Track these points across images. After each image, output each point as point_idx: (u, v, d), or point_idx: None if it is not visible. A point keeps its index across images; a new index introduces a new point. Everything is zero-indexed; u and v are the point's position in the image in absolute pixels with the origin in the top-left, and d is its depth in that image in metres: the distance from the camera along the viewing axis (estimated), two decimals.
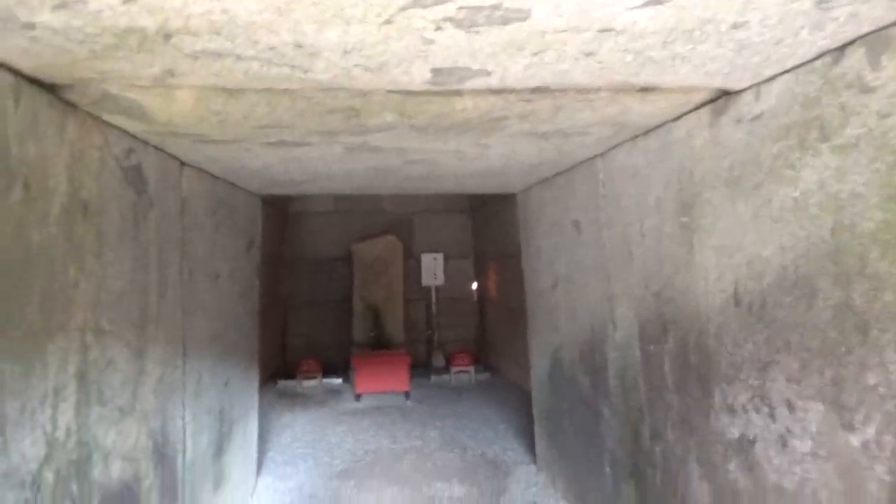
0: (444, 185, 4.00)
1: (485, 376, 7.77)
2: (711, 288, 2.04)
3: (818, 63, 1.56)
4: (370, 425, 5.71)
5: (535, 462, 4.54)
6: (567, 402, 3.64)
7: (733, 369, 1.95)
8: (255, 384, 4.15)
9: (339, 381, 7.51)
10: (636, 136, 2.50)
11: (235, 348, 3.58)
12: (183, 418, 2.74)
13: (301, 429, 5.62)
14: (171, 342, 2.60)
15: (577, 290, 3.35)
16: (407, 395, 6.63)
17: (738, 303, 1.90)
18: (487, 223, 8.34)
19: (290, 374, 7.52)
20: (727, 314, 1.96)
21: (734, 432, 1.96)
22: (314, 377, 7.34)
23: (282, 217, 8.74)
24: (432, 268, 8.66)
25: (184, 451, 2.75)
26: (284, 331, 7.91)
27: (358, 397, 6.60)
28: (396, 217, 9.19)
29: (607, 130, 2.36)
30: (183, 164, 2.82)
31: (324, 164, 3.00)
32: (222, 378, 3.32)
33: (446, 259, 8.91)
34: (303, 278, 8.93)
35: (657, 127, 2.33)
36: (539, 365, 4.22)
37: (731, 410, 1.97)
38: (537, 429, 4.34)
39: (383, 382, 6.57)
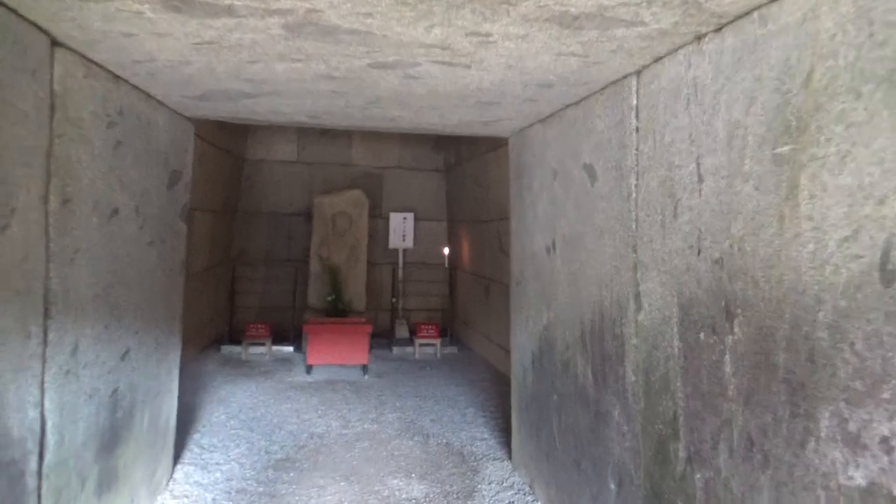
0: (421, 120, 3.21)
1: (452, 350, 7.08)
2: (831, 254, 1.32)
3: None
4: (320, 403, 4.97)
5: (509, 458, 3.87)
6: (557, 393, 2.94)
7: (865, 382, 1.24)
8: (175, 355, 3.36)
9: (290, 349, 6.75)
10: (703, 35, 1.75)
11: (141, 310, 2.78)
12: (40, 406, 1.96)
13: (239, 405, 4.85)
14: (16, 298, 1.80)
15: (584, 256, 2.63)
16: (365, 368, 5.90)
17: (888, 279, 1.18)
18: (462, 184, 7.58)
19: (236, 340, 6.73)
20: (862, 295, 1.24)
21: (856, 478, 1.26)
22: (262, 343, 6.57)
23: (238, 165, 7.84)
24: (401, 228, 7.88)
25: (41, 452, 1.97)
26: (233, 291, 7.09)
27: (309, 369, 5.85)
28: (365, 172, 8.36)
29: (669, 17, 1.60)
30: (55, 42, 1.98)
31: (262, 65, 2.19)
32: (117, 349, 2.53)
33: (417, 220, 8.14)
34: (259, 234, 8.09)
35: (745, 14, 1.58)
36: (522, 345, 3.52)
37: (854, 444, 1.27)
38: (515, 420, 3.66)
39: (339, 354, 5.83)
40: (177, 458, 3.71)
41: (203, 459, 3.77)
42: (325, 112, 3.09)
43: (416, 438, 4.25)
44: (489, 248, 6.43)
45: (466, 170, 7.38)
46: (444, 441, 4.22)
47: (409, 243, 7.92)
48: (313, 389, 5.37)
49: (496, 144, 6.14)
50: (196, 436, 4.16)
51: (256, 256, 8.03)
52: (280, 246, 8.12)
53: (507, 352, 5.80)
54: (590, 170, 2.57)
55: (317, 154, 8.26)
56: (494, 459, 3.90)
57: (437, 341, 6.88)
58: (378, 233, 8.25)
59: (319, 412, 4.73)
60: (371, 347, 6.82)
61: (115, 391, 2.53)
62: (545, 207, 3.10)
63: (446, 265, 7.57)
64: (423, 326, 6.90)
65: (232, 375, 5.73)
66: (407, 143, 8.48)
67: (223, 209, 7.25)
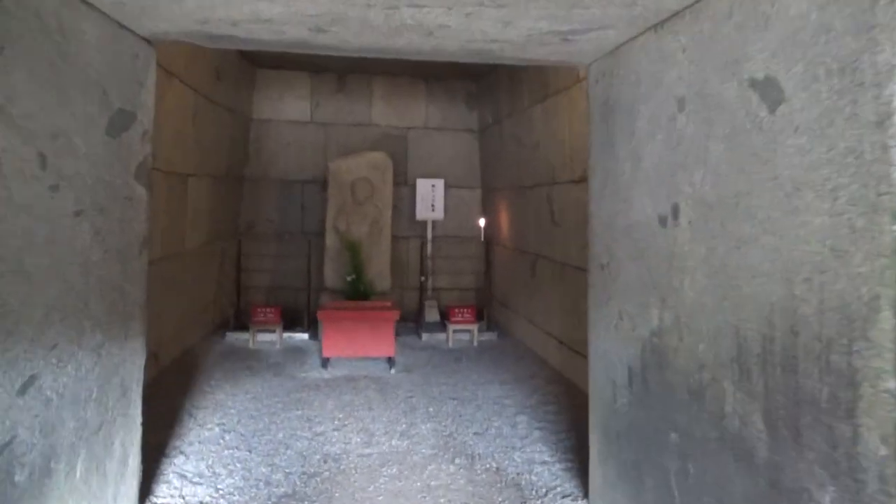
0: (474, 32, 2.21)
1: (490, 337, 6.14)
2: None
3: None
4: (336, 409, 4.07)
5: (585, 495, 2.93)
6: (679, 432, 1.98)
7: None
8: (135, 367, 2.46)
9: (304, 336, 5.86)
10: None
11: (61, 312, 1.86)
12: None
13: (238, 412, 3.97)
14: None
15: (747, 229, 1.64)
16: (391, 361, 4.99)
17: None
18: (501, 146, 6.55)
19: (243, 325, 5.85)
20: None
21: None
22: (272, 330, 5.68)
23: (243, 126, 6.89)
24: (430, 197, 6.90)
25: None
26: (239, 269, 6.19)
27: (325, 363, 4.95)
28: (387, 133, 7.36)
29: None
30: None
31: None
32: (9, 379, 1.61)
33: (447, 187, 7.15)
34: (268, 204, 7.18)
35: None
36: (608, 352, 2.55)
37: None
38: (597, 449, 2.71)
39: (360, 345, 4.91)
40: (146, 496, 2.83)
41: (183, 497, 2.88)
42: (334, 19, 2.09)
43: (457, 461, 3.33)
44: (537, 218, 5.44)
45: (506, 128, 6.35)
46: (494, 466, 3.29)
47: (439, 214, 6.94)
48: (329, 389, 4.47)
49: (545, 94, 5.10)
50: (179, 459, 3.28)
51: (266, 229, 7.12)
52: (292, 217, 7.20)
53: (560, 342, 4.84)
54: (766, 86, 1.56)
55: (332, 113, 7.27)
56: (565, 497, 2.96)
57: (474, 327, 5.94)
58: (403, 202, 7.29)
59: (336, 422, 3.83)
60: (397, 334, 5.91)
61: (7, 445, 1.61)
62: (659, 157, 2.10)
63: (482, 239, 6.60)
64: (456, 310, 5.96)
65: (234, 370, 4.86)
66: (435, 100, 7.45)
67: (226, 175, 6.33)
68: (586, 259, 4.09)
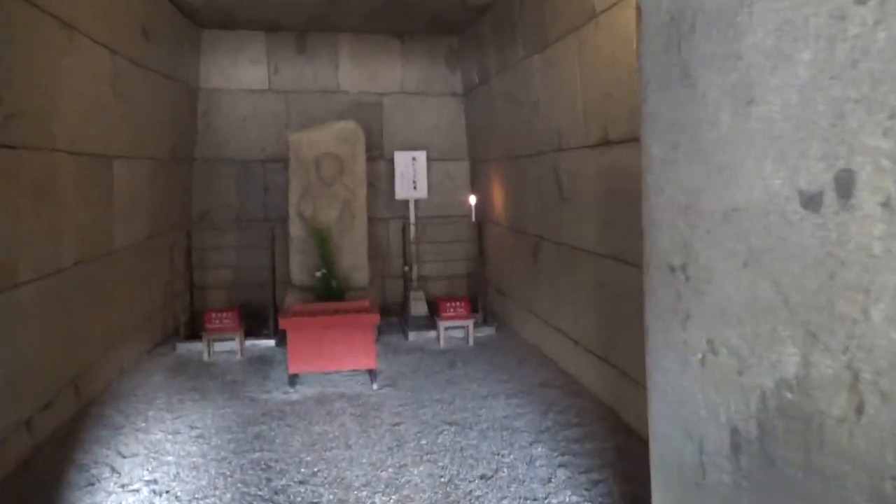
0: None
1: (487, 332, 5.30)
2: None
3: None
4: (304, 448, 3.21)
5: None
6: None
7: None
8: None
9: (269, 342, 4.98)
10: None
11: None
12: None
13: (178, 461, 3.09)
14: None
15: None
16: (372, 375, 4.12)
17: None
18: (491, 108, 5.64)
19: (197, 333, 4.94)
20: None
21: None
22: (231, 337, 4.79)
23: (188, 96, 5.90)
24: (410, 172, 5.99)
25: None
26: (191, 266, 5.26)
27: (293, 380, 4.08)
28: (358, 101, 6.41)
29: None
30: None
31: None
32: None
33: (430, 161, 6.24)
34: (224, 188, 6.23)
35: None
36: (693, 401, 1.69)
37: None
38: None
39: (333, 358, 4.04)
40: None
41: None
42: None
43: None
44: (539, 193, 4.55)
45: (497, 87, 5.43)
46: None
47: (422, 192, 6.04)
48: (296, 418, 3.60)
49: (544, 41, 4.18)
50: None
51: (224, 217, 6.18)
52: (253, 202, 6.27)
53: (574, 342, 3.97)
54: None
55: (293, 79, 6.30)
56: None
57: (469, 322, 5.09)
58: (380, 180, 6.38)
59: (303, 470, 2.97)
60: (380, 332, 5.06)
61: None
62: (804, 92, 1.22)
63: (472, 218, 5.72)
64: (447, 304, 5.09)
65: (181, 394, 3.97)
66: (412, 60, 6.49)
67: (170, 156, 5.37)
68: (611, 244, 3.18)
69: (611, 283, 3.42)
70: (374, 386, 4.07)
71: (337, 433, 3.39)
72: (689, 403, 1.70)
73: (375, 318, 4.09)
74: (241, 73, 6.21)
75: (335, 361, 4.06)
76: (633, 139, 3.03)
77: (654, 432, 1.90)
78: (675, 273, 1.75)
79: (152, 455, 3.15)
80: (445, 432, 3.37)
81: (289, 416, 3.63)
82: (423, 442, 3.26)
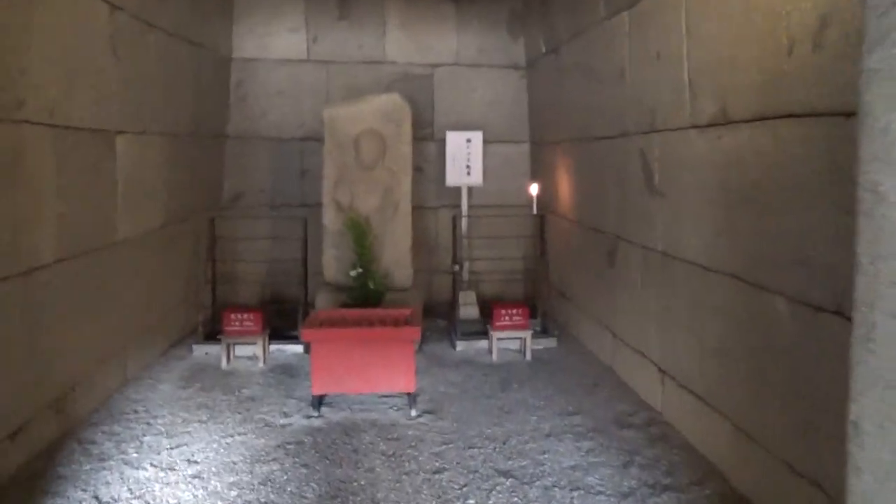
0: None
1: (548, 345, 4.54)
2: None
3: None
4: (322, 499, 2.54)
5: None
6: None
7: None
8: None
9: (297, 348, 4.35)
10: None
11: None
12: None
13: None
14: None
15: None
16: (411, 399, 3.42)
17: None
18: (560, 82, 4.82)
19: (217, 333, 4.34)
20: None
21: None
22: (253, 341, 4.17)
23: (220, 67, 5.29)
24: (463, 156, 5.25)
25: None
26: (213, 257, 4.64)
27: (317, 403, 3.41)
28: (406, 73, 5.68)
29: None
30: None
31: None
32: None
33: (486, 143, 5.46)
34: (258, 169, 5.62)
35: None
36: None
37: None
38: None
39: (365, 378, 3.36)
40: None
41: None
42: None
43: None
44: (621, 183, 3.74)
45: (567, 57, 4.61)
46: None
47: (477, 178, 5.29)
48: (318, 453, 2.94)
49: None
50: None
51: (256, 202, 5.58)
52: (290, 186, 5.63)
53: (662, 373, 3.03)
54: None
55: (335, 48, 5.61)
56: None
57: (526, 334, 4.34)
58: (429, 163, 5.65)
59: None
60: (423, 337, 4.35)
61: None
62: None
63: (534, 210, 4.93)
64: (503, 310, 4.35)
65: (188, 412, 3.38)
66: (468, 27, 5.71)
67: (194, 132, 4.76)
68: (727, 257, 2.33)
69: (726, 309, 2.60)
70: (413, 412, 3.37)
71: (363, 482, 2.70)
72: None
73: (417, 333, 3.38)
74: (277, 42, 5.55)
75: (368, 383, 3.38)
76: (769, 117, 2.20)
77: None
78: None
79: (135, 500, 2.54)
80: (499, 488, 2.64)
81: (307, 451, 2.97)
82: (471, 502, 2.54)
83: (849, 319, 1.89)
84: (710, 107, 2.63)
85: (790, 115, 2.04)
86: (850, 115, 1.77)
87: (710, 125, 2.65)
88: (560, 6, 4.65)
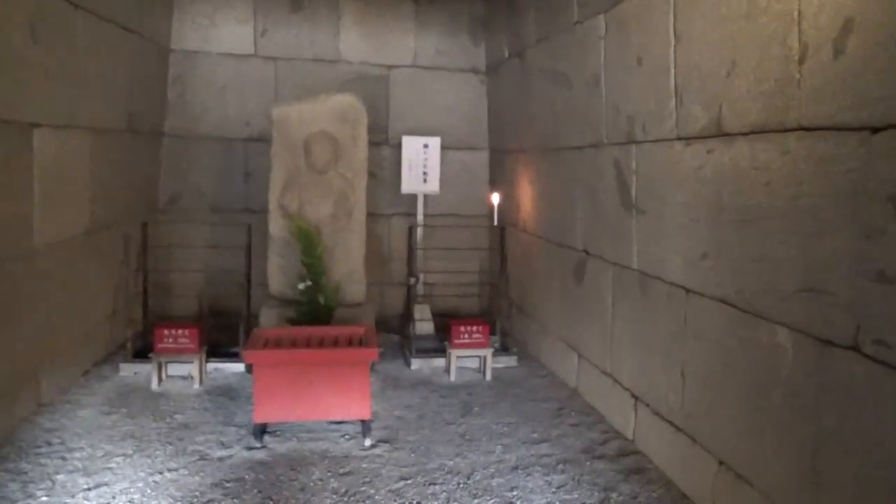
0: None
1: (508, 363, 4.32)
2: None
3: None
4: None
5: None
6: None
7: None
8: None
9: (238, 367, 3.98)
10: None
11: None
12: None
13: None
14: None
15: None
16: (365, 427, 3.11)
17: None
18: (525, 88, 4.61)
19: (147, 351, 3.91)
20: None
21: None
22: (188, 360, 3.78)
23: (158, 58, 4.86)
24: (420, 162, 4.97)
25: None
26: (146, 266, 4.20)
27: (259, 432, 3.06)
28: (361, 73, 5.38)
29: None
30: None
31: None
32: None
33: (444, 149, 5.20)
34: (198, 170, 5.21)
35: None
36: None
37: None
38: None
39: (314, 405, 3.04)
40: None
41: None
42: None
43: None
44: (591, 196, 3.54)
45: (533, 62, 4.41)
46: None
47: (434, 186, 5.02)
48: (260, 493, 2.60)
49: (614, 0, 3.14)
50: None
51: (195, 205, 5.16)
52: (233, 189, 5.24)
53: (635, 400, 2.75)
54: None
55: (285, 43, 5.26)
56: None
57: (487, 352, 4.09)
58: (383, 169, 5.36)
59: None
60: (376, 360, 4.03)
61: None
62: None
63: (495, 222, 4.70)
64: (461, 327, 4.09)
65: (111, 442, 2.98)
66: (428, 28, 5.45)
67: (126, 129, 4.33)
68: (717, 281, 2.14)
69: (712, 335, 2.41)
70: (367, 442, 3.07)
71: None
72: None
73: (374, 354, 3.08)
74: (222, 34, 5.16)
75: (317, 410, 3.05)
76: (774, 130, 2.01)
77: None
78: None
79: None
80: None
81: (249, 490, 2.63)
82: None
83: (867, 356, 1.71)
84: (700, 117, 2.44)
85: (801, 128, 1.85)
86: (879, 129, 1.59)
87: (699, 137, 2.46)
88: (527, 10, 4.45)
